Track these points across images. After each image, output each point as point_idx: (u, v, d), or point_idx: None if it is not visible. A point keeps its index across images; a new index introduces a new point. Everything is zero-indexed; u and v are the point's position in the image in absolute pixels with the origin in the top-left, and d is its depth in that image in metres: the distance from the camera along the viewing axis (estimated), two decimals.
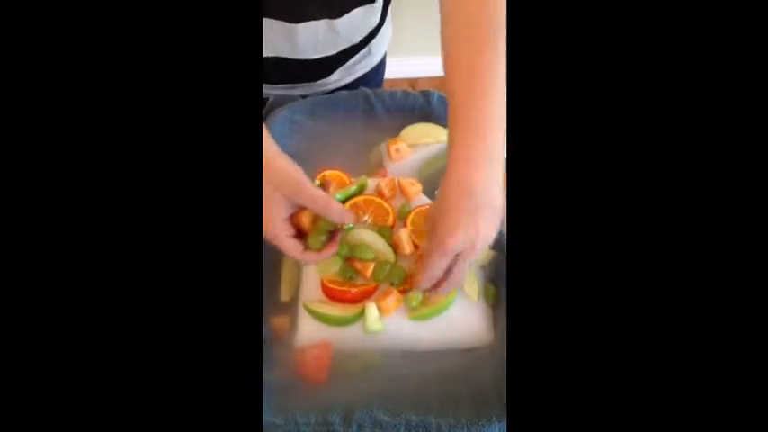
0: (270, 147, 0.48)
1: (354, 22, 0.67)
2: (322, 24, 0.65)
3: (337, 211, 0.47)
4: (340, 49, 0.70)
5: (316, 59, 0.69)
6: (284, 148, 0.64)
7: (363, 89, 0.72)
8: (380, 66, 0.82)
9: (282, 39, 0.65)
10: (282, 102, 0.69)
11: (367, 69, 0.78)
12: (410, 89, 0.73)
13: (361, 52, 0.74)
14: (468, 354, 0.51)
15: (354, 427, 0.42)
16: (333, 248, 0.49)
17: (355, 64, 0.75)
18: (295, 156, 0.64)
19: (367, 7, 0.66)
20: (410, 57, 1.66)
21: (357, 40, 0.70)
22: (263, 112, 0.68)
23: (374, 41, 0.74)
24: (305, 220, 0.48)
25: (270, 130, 0.65)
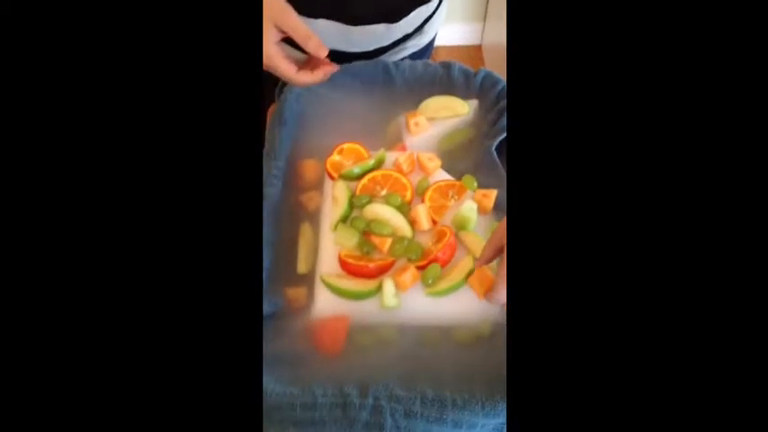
0: None
1: (412, 21, 0.67)
2: (380, 27, 0.64)
3: (314, 44, 0.52)
4: (394, 40, 0.69)
5: (370, 51, 0.69)
6: (302, 117, 0.64)
7: (383, 60, 0.71)
8: (430, 44, 0.81)
9: (337, 37, 0.65)
10: None
11: (416, 49, 0.77)
12: (430, 61, 0.72)
13: (414, 37, 0.73)
14: (483, 329, 0.51)
15: (371, 400, 0.43)
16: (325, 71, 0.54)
17: (406, 46, 0.74)
18: (313, 126, 0.64)
19: (423, 7, 0.65)
20: None
21: (411, 30, 0.70)
22: (280, 82, 0.67)
23: (427, 24, 0.73)
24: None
25: (287, 99, 0.64)
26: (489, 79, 0.67)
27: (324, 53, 0.53)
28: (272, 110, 0.66)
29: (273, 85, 0.67)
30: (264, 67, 0.53)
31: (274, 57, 0.52)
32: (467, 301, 0.51)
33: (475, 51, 1.88)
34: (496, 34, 1.73)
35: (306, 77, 0.54)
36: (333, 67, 0.56)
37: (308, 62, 0.56)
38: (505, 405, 0.42)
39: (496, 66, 1.65)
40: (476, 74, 0.68)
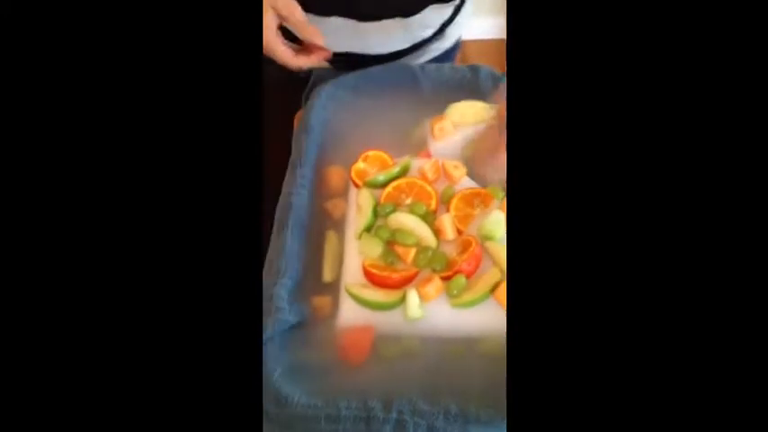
0: None
1: (427, 20, 0.66)
2: (393, 23, 0.64)
3: (311, 30, 0.56)
4: (412, 43, 0.68)
5: (385, 54, 0.69)
6: (327, 125, 0.64)
7: (409, 63, 0.70)
8: (453, 48, 0.79)
9: (350, 35, 0.65)
10: (326, 77, 0.68)
11: (438, 53, 0.75)
12: (456, 64, 0.71)
13: (434, 42, 0.72)
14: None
15: (394, 414, 0.43)
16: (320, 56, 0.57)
17: (426, 50, 0.73)
18: (338, 133, 0.64)
19: (438, 5, 0.64)
20: None
21: (429, 34, 0.69)
22: (306, 88, 0.67)
23: (448, 28, 0.72)
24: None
25: (314, 105, 0.64)
26: None
27: (319, 39, 0.57)
28: (298, 116, 0.66)
29: (301, 91, 0.68)
30: (264, 53, 0.55)
31: (273, 42, 0.56)
32: (492, 313, 0.50)
33: (501, 45, 1.85)
34: None
35: (302, 61, 0.58)
36: (327, 53, 0.59)
37: (304, 48, 0.58)
38: None
39: None
40: (503, 79, 0.67)
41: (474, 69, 0.67)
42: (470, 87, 0.66)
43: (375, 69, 0.67)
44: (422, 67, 0.68)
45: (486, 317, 0.50)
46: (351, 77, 0.68)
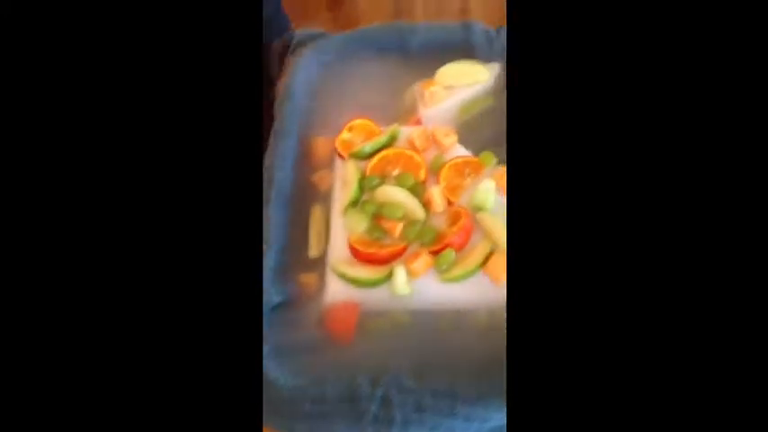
0: None
1: None
2: None
3: None
4: None
5: None
6: (311, 91, 0.61)
7: (398, 22, 0.66)
8: None
9: None
10: (308, 39, 0.65)
11: None
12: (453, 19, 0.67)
13: None
14: (500, 315, 0.49)
15: (380, 393, 0.42)
16: None
17: None
18: (323, 100, 0.61)
19: None
20: None
21: None
22: (288, 51, 0.64)
23: None
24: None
25: (295, 70, 0.61)
26: None
27: None
28: (281, 83, 0.63)
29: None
30: None
31: None
32: (483, 287, 0.49)
33: None
34: None
35: None
36: None
37: None
38: None
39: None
40: (498, 34, 0.63)
41: (466, 26, 0.63)
42: (463, 47, 0.62)
43: (361, 30, 0.63)
44: (411, 27, 0.64)
45: (477, 290, 0.49)
46: (335, 39, 0.64)
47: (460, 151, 0.55)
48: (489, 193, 0.50)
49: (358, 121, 0.57)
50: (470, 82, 0.60)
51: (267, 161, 0.55)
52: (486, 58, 0.62)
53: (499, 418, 0.42)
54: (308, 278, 0.52)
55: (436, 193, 0.51)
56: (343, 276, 0.49)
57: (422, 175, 0.53)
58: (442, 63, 0.61)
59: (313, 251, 0.53)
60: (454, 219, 0.51)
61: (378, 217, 0.51)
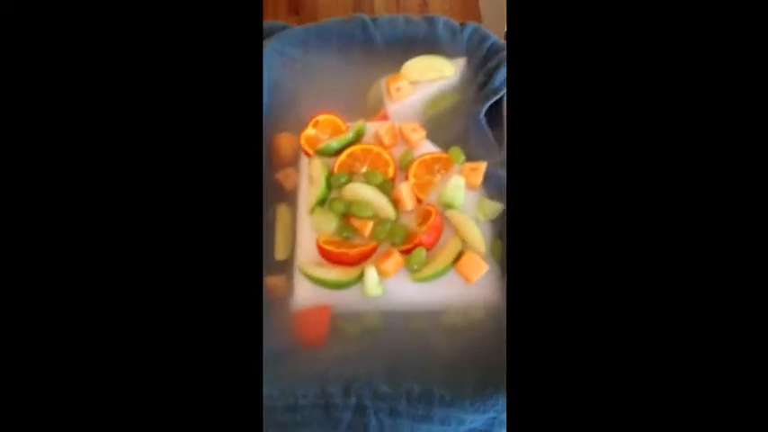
0: None
1: None
2: None
3: None
4: None
5: None
6: (274, 84, 0.59)
7: (360, 15, 0.64)
8: None
9: None
10: (270, 31, 0.62)
11: None
12: (414, 14, 0.65)
13: None
14: (474, 313, 0.48)
15: (354, 399, 0.41)
16: None
17: None
18: (286, 95, 0.59)
19: None
20: None
21: None
22: None
23: None
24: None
25: None
26: (478, 35, 0.61)
27: None
28: None
29: None
30: None
31: None
32: (455, 285, 0.48)
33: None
34: None
35: None
36: None
37: None
38: (495, 400, 0.41)
39: (494, 16, 1.54)
40: (462, 29, 0.62)
41: (430, 21, 0.62)
42: (427, 41, 0.61)
43: (323, 23, 0.61)
44: (374, 20, 0.62)
45: (449, 289, 0.48)
46: (298, 32, 0.62)
47: (429, 147, 0.54)
48: (459, 189, 0.50)
49: (323, 117, 0.55)
50: (436, 77, 0.59)
51: None
52: (450, 53, 0.61)
53: (474, 418, 0.41)
54: (276, 281, 0.50)
55: (406, 191, 0.50)
56: (312, 278, 0.47)
57: (390, 172, 0.52)
58: (407, 57, 0.60)
59: (279, 253, 0.52)
60: (424, 217, 0.50)
61: (347, 216, 0.50)
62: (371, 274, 0.46)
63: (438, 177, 0.52)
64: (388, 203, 0.50)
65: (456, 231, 0.49)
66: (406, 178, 0.52)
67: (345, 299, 0.48)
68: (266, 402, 0.41)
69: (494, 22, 0.64)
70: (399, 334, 0.47)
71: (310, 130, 0.54)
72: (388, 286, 0.47)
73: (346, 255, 0.47)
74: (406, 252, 0.48)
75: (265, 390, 0.42)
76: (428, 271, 0.47)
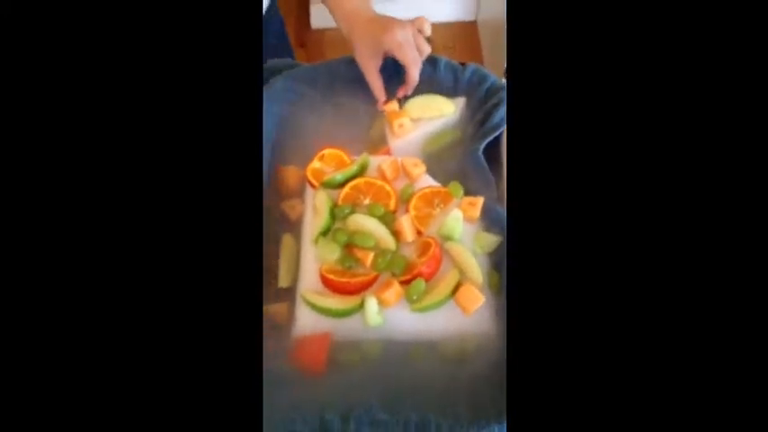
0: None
1: None
2: None
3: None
4: None
5: None
6: (282, 119, 0.61)
7: None
8: None
9: None
10: (280, 68, 0.65)
11: None
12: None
13: None
14: (470, 344, 0.49)
15: (352, 426, 0.42)
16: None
17: None
18: (293, 129, 0.62)
19: None
20: None
21: None
22: None
23: None
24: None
25: (266, 99, 0.61)
26: (477, 75, 0.64)
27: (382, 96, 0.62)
28: None
29: None
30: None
31: (372, 73, 0.61)
32: (453, 316, 0.49)
33: (470, 28, 1.82)
34: (492, 9, 1.67)
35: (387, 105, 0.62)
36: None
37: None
38: (490, 429, 0.41)
39: (493, 44, 1.60)
40: (464, 69, 0.65)
41: (432, 61, 0.65)
42: (429, 80, 0.64)
43: (331, 62, 0.64)
44: None
45: (447, 320, 0.49)
46: (306, 69, 0.65)
47: (429, 181, 0.56)
48: (458, 222, 0.52)
49: (328, 151, 0.57)
50: (437, 115, 0.62)
51: None
52: (451, 92, 0.64)
53: None
54: (278, 308, 0.51)
55: (406, 223, 0.52)
56: (313, 306, 0.49)
57: (392, 204, 0.54)
58: (410, 95, 0.63)
59: (283, 281, 0.53)
60: (424, 249, 0.51)
61: (349, 246, 0.51)
62: (372, 303, 0.47)
63: (437, 210, 0.54)
64: (390, 235, 0.52)
65: (454, 263, 0.51)
66: (407, 211, 0.54)
67: (345, 327, 0.49)
68: (265, 428, 0.42)
69: (494, 60, 0.67)
70: (398, 363, 0.48)
71: (316, 163, 0.57)
72: (388, 316, 0.49)
73: (348, 284, 0.49)
74: (406, 282, 0.50)
75: (265, 415, 0.43)
76: (427, 301, 0.49)
